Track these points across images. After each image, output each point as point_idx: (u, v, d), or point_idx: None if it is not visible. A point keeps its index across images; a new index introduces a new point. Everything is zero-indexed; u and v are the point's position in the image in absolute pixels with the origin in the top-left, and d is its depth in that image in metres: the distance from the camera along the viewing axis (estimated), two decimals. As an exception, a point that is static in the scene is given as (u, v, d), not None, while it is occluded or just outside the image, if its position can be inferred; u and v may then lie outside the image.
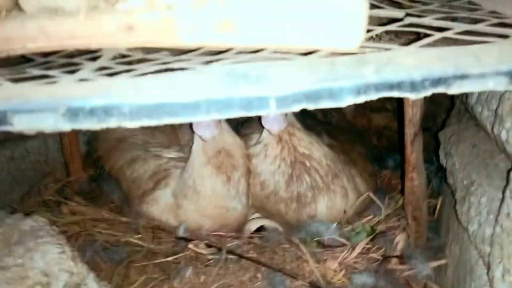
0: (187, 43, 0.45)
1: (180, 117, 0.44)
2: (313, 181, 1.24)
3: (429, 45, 0.50)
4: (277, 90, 0.44)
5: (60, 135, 1.40)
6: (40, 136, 1.38)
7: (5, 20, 0.50)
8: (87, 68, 0.55)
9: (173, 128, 1.48)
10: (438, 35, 0.52)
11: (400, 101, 1.11)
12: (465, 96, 1.03)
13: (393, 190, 1.43)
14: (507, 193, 0.64)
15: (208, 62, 0.50)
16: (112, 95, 0.43)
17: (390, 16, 0.61)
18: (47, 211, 1.22)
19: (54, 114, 0.43)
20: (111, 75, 0.52)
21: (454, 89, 0.43)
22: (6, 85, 0.47)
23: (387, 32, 0.61)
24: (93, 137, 1.50)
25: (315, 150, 1.26)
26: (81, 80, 0.50)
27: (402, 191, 1.25)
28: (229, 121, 1.25)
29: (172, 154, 1.42)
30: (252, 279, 1.06)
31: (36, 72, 0.57)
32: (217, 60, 0.50)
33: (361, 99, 0.44)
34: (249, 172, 1.29)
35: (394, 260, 1.08)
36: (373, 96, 0.44)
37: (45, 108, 0.43)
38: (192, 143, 1.24)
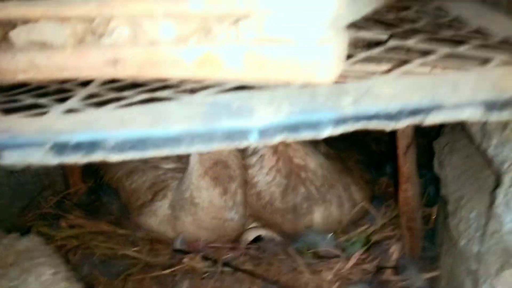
0: (171, 76, 0.46)
1: (163, 149, 0.45)
2: (309, 192, 1.25)
3: (409, 72, 0.51)
4: (258, 121, 0.45)
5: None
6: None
7: (-4, 53, 0.51)
8: (78, 95, 0.56)
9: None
10: (417, 61, 0.53)
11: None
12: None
13: (390, 197, 1.43)
14: (492, 211, 0.64)
15: (192, 91, 0.51)
16: (97, 129, 0.45)
17: (374, 39, 0.62)
18: (46, 225, 1.23)
19: (41, 149, 0.44)
20: (99, 104, 0.53)
21: (429, 120, 0.44)
22: (-3, 118, 0.49)
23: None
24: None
25: (310, 160, 1.27)
26: (69, 110, 0.51)
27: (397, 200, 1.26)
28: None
29: (170, 164, 1.44)
30: (247, 291, 1.08)
31: (28, 100, 0.58)
32: (201, 89, 0.51)
33: (340, 130, 0.45)
34: (246, 183, 1.30)
35: (389, 271, 1.09)
36: (351, 127, 0.45)
37: (33, 143, 0.45)
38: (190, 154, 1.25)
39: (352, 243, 1.20)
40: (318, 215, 1.26)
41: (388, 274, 1.08)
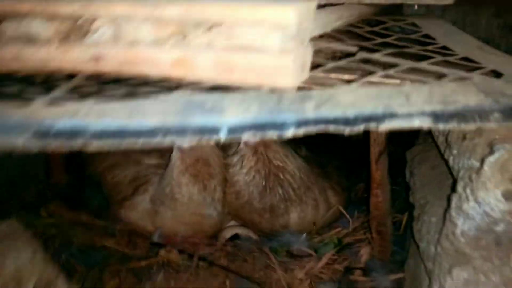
0: (149, 74, 0.50)
1: (139, 140, 0.49)
2: (286, 193, 1.29)
3: (370, 83, 0.55)
4: (228, 119, 0.49)
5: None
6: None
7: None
8: (62, 87, 0.59)
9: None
10: (380, 73, 0.58)
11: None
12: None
13: (365, 203, 1.49)
14: (447, 215, 0.69)
15: (170, 89, 0.55)
16: (78, 118, 0.48)
17: (344, 50, 0.67)
18: (26, 213, 1.25)
19: (24, 134, 0.47)
20: (82, 96, 0.57)
21: (384, 126, 0.49)
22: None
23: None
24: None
25: (289, 162, 1.31)
26: (53, 100, 0.54)
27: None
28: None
29: (152, 160, 1.47)
30: (220, 286, 1.11)
31: (13, 89, 0.61)
32: (178, 87, 0.55)
33: (302, 132, 0.49)
34: (225, 181, 1.34)
35: (358, 272, 1.13)
36: (312, 129, 0.49)
37: (16, 129, 0.48)
38: (172, 150, 1.28)
39: (325, 244, 1.24)
40: (294, 216, 1.31)
41: (357, 275, 1.13)
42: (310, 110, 0.49)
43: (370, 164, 1.13)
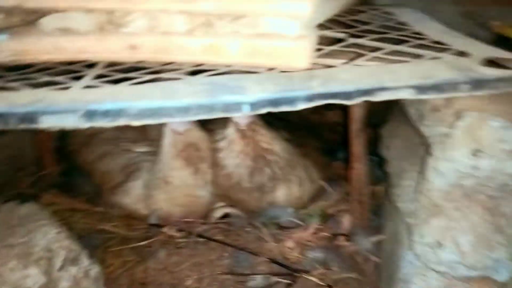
0: (180, 60, 0.58)
1: (175, 117, 0.57)
2: (273, 172, 1.39)
3: (362, 63, 0.66)
4: (249, 97, 0.58)
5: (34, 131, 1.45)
6: (14, 131, 1.43)
7: (23, 36, 0.60)
8: (89, 75, 0.66)
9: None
10: (370, 55, 0.68)
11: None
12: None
13: (343, 179, 1.61)
14: (422, 176, 0.82)
15: (192, 73, 0.63)
16: (122, 100, 0.55)
17: (336, 37, 0.77)
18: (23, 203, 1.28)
19: (75, 115, 0.54)
20: (113, 81, 0.64)
21: (377, 98, 0.60)
22: (28, 91, 0.58)
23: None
24: (64, 132, 1.56)
25: (275, 145, 1.41)
26: (88, 86, 0.61)
27: (349, 180, 1.43)
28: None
29: (141, 148, 1.52)
30: (219, 258, 1.20)
31: (43, 78, 0.67)
32: (199, 72, 0.63)
33: (311, 105, 0.59)
34: (214, 164, 1.42)
35: (341, 237, 1.26)
36: (320, 102, 0.59)
37: (67, 111, 0.55)
38: (161, 138, 1.35)
39: (310, 216, 1.35)
40: (281, 193, 1.41)
41: (341, 240, 1.25)
42: (317, 87, 0.59)
43: (350, 140, 1.25)
